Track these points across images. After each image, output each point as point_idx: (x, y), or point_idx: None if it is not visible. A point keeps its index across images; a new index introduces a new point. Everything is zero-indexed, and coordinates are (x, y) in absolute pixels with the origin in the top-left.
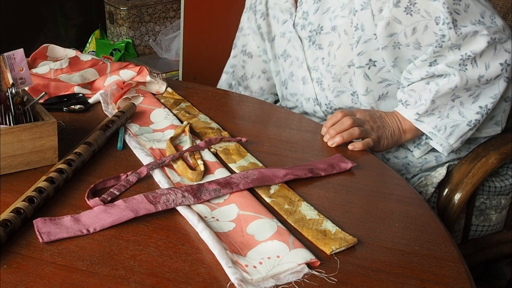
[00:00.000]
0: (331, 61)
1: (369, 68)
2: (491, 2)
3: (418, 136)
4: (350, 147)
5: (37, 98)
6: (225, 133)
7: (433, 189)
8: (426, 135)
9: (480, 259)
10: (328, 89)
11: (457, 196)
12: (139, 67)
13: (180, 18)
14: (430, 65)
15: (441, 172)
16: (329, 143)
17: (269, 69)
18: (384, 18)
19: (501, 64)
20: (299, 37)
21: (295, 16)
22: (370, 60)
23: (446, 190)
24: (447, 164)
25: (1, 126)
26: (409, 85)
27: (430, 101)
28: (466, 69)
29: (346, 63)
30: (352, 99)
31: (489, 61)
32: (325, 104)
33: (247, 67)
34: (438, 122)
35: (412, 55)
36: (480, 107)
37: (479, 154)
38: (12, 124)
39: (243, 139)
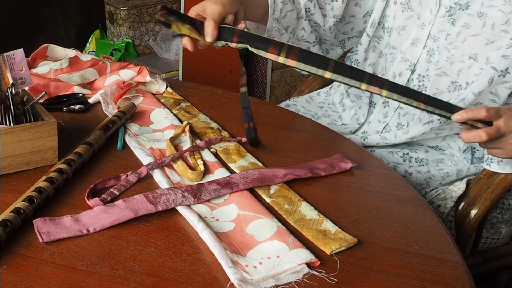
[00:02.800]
0: (456, 41)
1: (498, 76)
2: None
3: None
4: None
5: (37, 98)
6: (225, 133)
7: (453, 203)
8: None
9: (487, 270)
10: (434, 64)
11: (474, 211)
12: (139, 67)
13: None
14: None
15: (460, 187)
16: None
17: None
18: None
19: None
20: (439, 2)
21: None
22: (507, 69)
23: (463, 204)
24: (466, 179)
25: (1, 126)
26: None
27: None
28: None
29: (469, 54)
30: (448, 86)
31: None
32: (419, 74)
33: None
34: None
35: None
36: None
37: None
38: (12, 124)
39: (243, 139)
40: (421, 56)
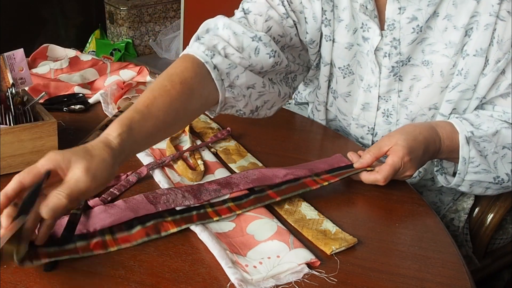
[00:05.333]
0: (411, 97)
1: (448, 118)
2: None
3: (447, 158)
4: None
5: (37, 98)
6: (214, 125)
7: (466, 215)
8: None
9: (495, 269)
10: (395, 124)
11: (489, 218)
12: (139, 67)
13: (180, 18)
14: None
15: (469, 196)
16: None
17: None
18: (499, 69)
19: None
20: (376, 62)
21: (381, 39)
22: (454, 109)
23: (476, 211)
24: None
25: (1, 126)
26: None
27: (494, 130)
28: None
29: (428, 105)
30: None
31: None
32: (382, 136)
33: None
34: (477, 156)
35: (491, 102)
36: None
37: None
38: (12, 124)
39: (228, 128)
40: (376, 119)
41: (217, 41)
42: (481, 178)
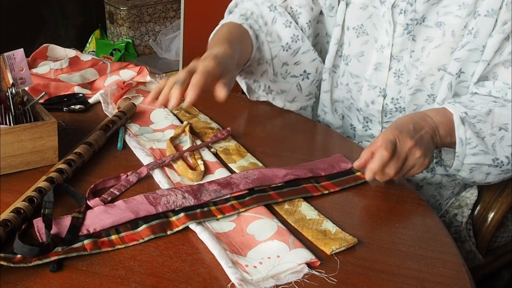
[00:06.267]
0: (422, 57)
1: (455, 78)
2: None
3: (449, 145)
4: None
5: (37, 98)
6: (214, 125)
7: (469, 211)
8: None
9: (497, 267)
10: (405, 84)
11: (491, 216)
12: (139, 67)
13: (180, 18)
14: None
15: (473, 192)
16: (367, 176)
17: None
18: (505, 32)
19: None
20: (391, 21)
21: None
22: (461, 70)
23: (478, 208)
24: (477, 185)
25: (1, 126)
26: (472, 95)
27: (487, 109)
28: None
29: (438, 66)
30: (427, 100)
31: None
32: (392, 98)
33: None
34: (474, 137)
35: (494, 72)
36: None
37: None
38: (12, 124)
39: (228, 129)
40: (388, 79)
41: (245, 10)
42: (480, 160)
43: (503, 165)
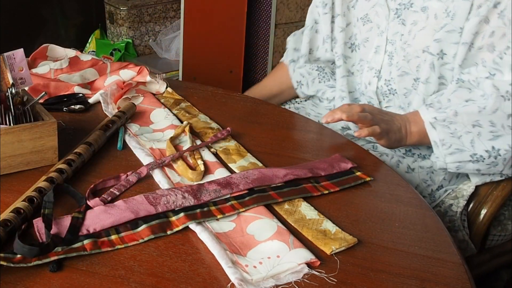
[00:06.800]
0: (409, 40)
1: (437, 59)
2: None
3: (420, 143)
4: (356, 133)
5: (37, 98)
6: (214, 125)
7: (465, 202)
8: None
9: (494, 266)
10: (395, 66)
11: (485, 209)
12: (139, 67)
13: (180, 18)
14: (488, 77)
15: (470, 185)
16: (326, 118)
17: (320, 21)
18: (480, 15)
19: None
20: (387, 6)
21: None
22: (442, 51)
23: (473, 202)
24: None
25: (1, 126)
26: (457, 82)
27: (454, 111)
28: (509, 99)
29: (422, 47)
30: (413, 84)
31: None
32: (385, 79)
33: (308, 17)
34: (447, 137)
35: (481, 58)
36: (493, 147)
37: None
38: (12, 124)
39: (228, 128)
40: (383, 61)
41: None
42: (458, 158)
43: (484, 159)
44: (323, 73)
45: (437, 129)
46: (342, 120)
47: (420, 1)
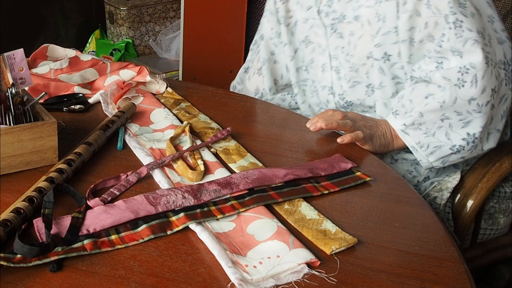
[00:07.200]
0: (350, 50)
1: (384, 62)
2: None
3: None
4: (339, 140)
5: (37, 98)
6: (214, 125)
7: (449, 194)
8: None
9: (487, 262)
10: (344, 79)
11: (471, 202)
12: (139, 67)
13: (180, 18)
14: (437, 67)
15: (455, 177)
16: (309, 125)
17: (278, 53)
18: (408, 11)
19: (492, 90)
20: (323, 24)
21: (320, 2)
22: (386, 53)
23: (459, 195)
24: (459, 170)
25: (1, 126)
26: (411, 79)
27: (418, 113)
28: (463, 85)
29: (365, 54)
30: (366, 91)
31: (487, 85)
32: (339, 94)
33: (261, 50)
34: (422, 139)
35: (426, 49)
36: (468, 134)
37: (492, 159)
38: (12, 124)
39: (228, 128)
40: (332, 77)
41: None
42: (440, 154)
43: (463, 147)
44: (295, 95)
45: (410, 134)
46: (322, 128)
47: (350, 11)
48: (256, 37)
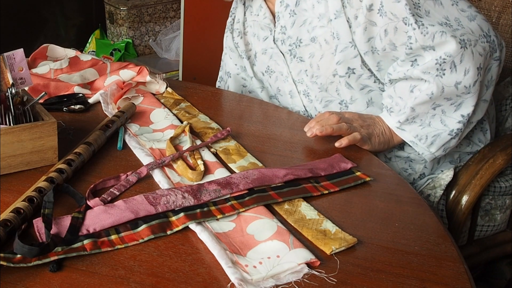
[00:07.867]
0: (315, 72)
1: (349, 77)
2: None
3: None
4: (336, 144)
5: (37, 98)
6: (214, 125)
7: (442, 191)
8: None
9: (485, 259)
10: (316, 100)
11: (465, 198)
12: (139, 67)
13: (180, 18)
14: (412, 65)
15: (448, 174)
16: (307, 131)
17: (249, 85)
18: (361, 24)
19: (477, 69)
20: (281, 52)
21: (274, 31)
22: (349, 68)
23: (454, 192)
24: (453, 166)
25: (1, 126)
26: (390, 82)
27: (410, 108)
28: (444, 74)
29: (331, 72)
30: (340, 108)
31: (469, 66)
32: (315, 115)
33: (230, 87)
34: (420, 131)
35: (393, 56)
36: (462, 115)
37: (486, 155)
38: (12, 124)
39: (228, 128)
40: (303, 101)
41: None
42: (441, 142)
43: (461, 131)
44: None
45: (406, 129)
46: (317, 135)
47: (306, 34)
48: (221, 73)
